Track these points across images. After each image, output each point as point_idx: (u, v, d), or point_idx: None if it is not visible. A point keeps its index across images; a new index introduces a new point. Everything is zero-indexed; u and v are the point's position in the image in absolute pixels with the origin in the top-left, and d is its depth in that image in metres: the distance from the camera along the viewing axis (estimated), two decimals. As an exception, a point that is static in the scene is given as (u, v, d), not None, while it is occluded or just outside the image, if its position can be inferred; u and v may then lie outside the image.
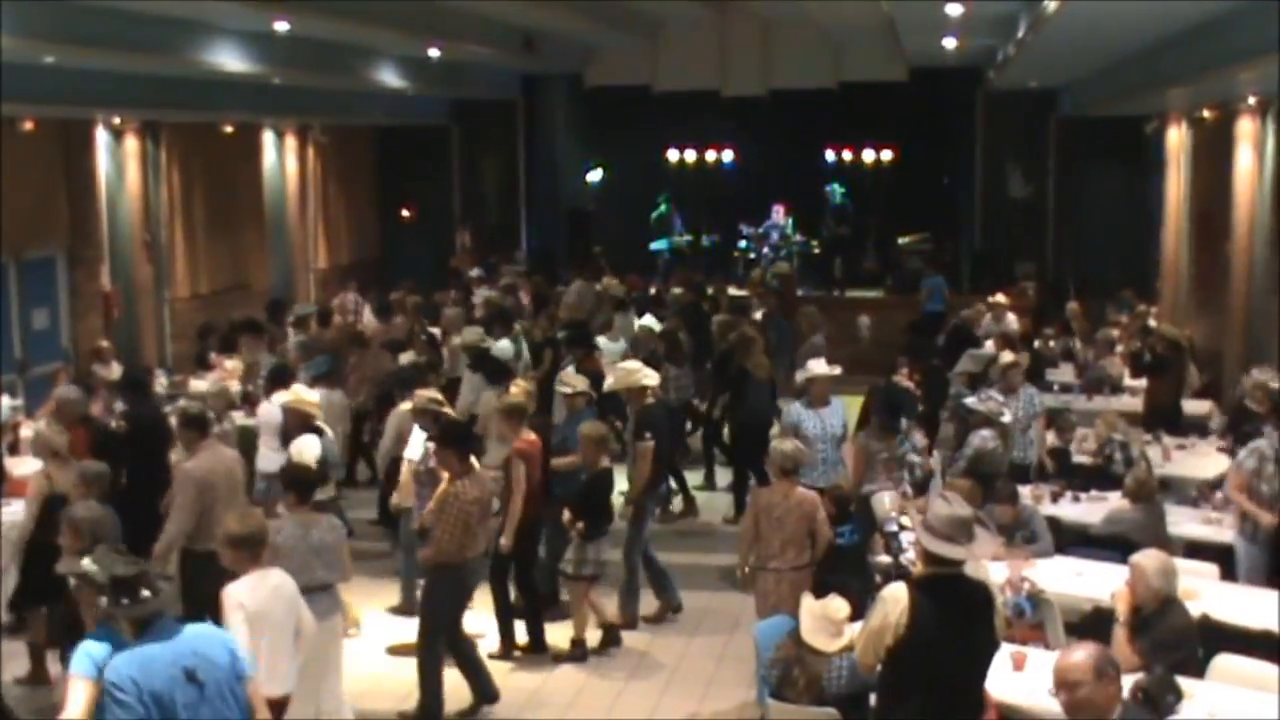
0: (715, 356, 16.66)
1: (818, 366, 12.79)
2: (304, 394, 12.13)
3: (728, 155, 30.42)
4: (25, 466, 11.94)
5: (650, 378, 12.61)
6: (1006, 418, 12.25)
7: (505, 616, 11.39)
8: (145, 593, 6.17)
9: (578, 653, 11.25)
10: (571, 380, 12.81)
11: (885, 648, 6.45)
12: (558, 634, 11.54)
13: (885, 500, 10.97)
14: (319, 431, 11.76)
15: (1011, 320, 18.83)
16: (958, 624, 6.41)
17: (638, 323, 17.60)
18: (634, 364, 12.97)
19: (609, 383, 12.87)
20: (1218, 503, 11.53)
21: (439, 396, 12.04)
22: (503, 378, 13.76)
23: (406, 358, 15.28)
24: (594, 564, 11.19)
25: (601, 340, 16.65)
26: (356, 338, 17.30)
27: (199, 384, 17.16)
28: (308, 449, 11.28)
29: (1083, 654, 5.76)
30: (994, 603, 6.63)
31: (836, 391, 13.08)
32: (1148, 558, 8.35)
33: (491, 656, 10.95)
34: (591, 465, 11.36)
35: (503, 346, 15.98)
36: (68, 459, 10.55)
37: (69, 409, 12.05)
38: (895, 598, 6.39)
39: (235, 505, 9.73)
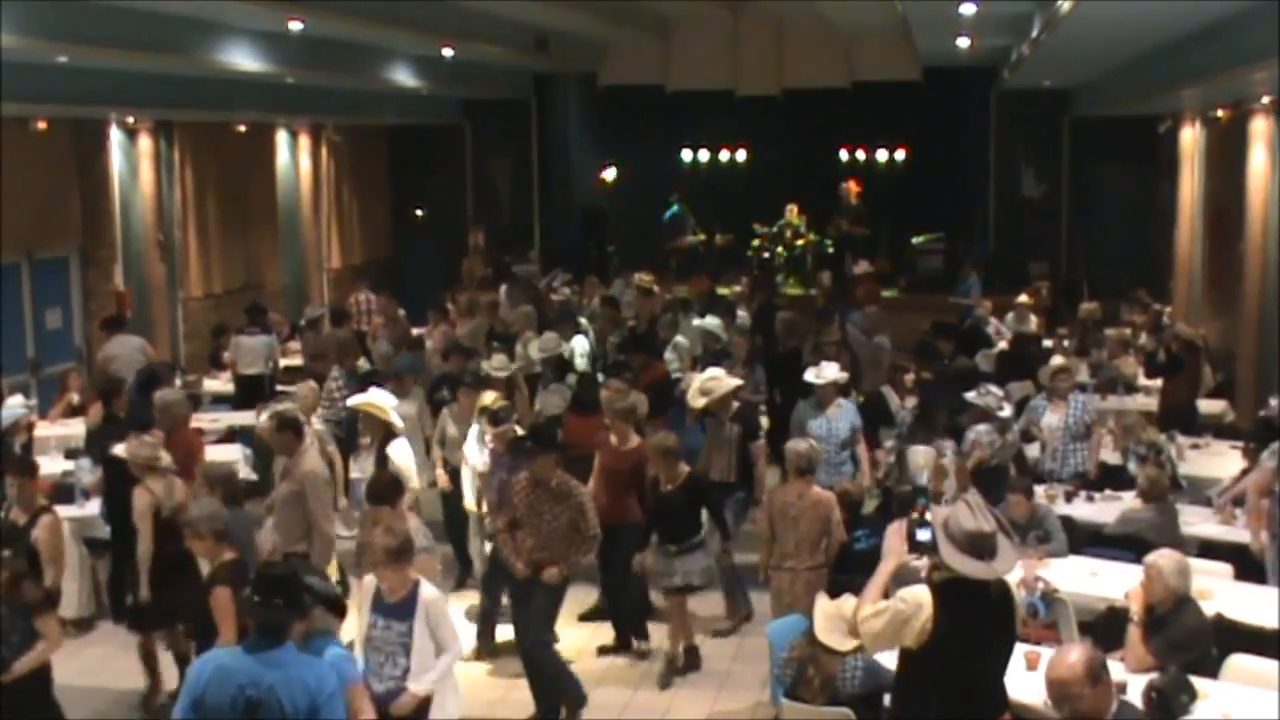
0: (784, 357, 16.45)
1: (830, 371, 12.75)
2: (378, 399, 11.55)
3: (741, 154, 30.42)
4: (41, 467, 11.95)
5: (734, 381, 12.39)
6: (1006, 412, 12.25)
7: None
8: (278, 600, 6.09)
9: (674, 666, 10.98)
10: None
11: (903, 649, 6.42)
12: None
13: (919, 455, 10.96)
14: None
15: (1033, 321, 18.83)
16: (980, 626, 6.36)
17: (696, 323, 17.37)
18: (716, 372, 12.53)
19: (701, 401, 12.11)
20: (1222, 508, 11.49)
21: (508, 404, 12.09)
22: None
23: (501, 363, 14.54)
24: (683, 575, 10.81)
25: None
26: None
27: (212, 384, 17.21)
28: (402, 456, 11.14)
29: (1075, 662, 5.67)
30: (1013, 600, 6.59)
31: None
32: (1164, 557, 8.34)
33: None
34: (671, 478, 10.86)
35: (581, 345, 16.16)
36: (164, 470, 10.32)
37: (172, 416, 11.99)
38: (918, 602, 6.31)
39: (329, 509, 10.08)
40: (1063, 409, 12.73)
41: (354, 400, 11.82)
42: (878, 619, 6.39)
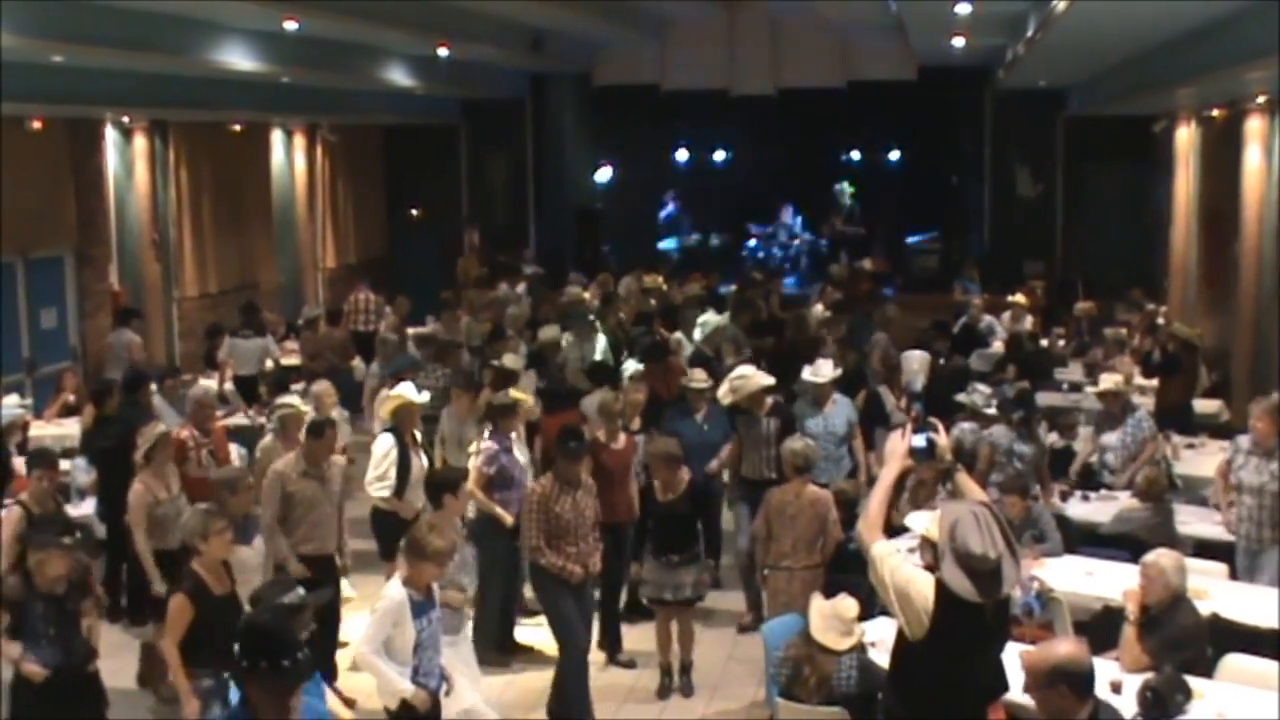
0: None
1: (825, 369, 12.69)
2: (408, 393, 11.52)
3: (736, 154, 30.42)
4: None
5: (765, 379, 12.14)
6: (992, 410, 12.27)
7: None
8: (263, 663, 4.90)
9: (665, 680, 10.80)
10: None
11: (897, 644, 6.41)
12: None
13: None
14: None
15: (1028, 320, 18.83)
16: (974, 626, 6.32)
17: (710, 321, 17.26)
18: (745, 370, 12.38)
19: (730, 398, 12.01)
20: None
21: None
22: (604, 379, 13.72)
23: (513, 359, 14.31)
24: (667, 587, 10.54)
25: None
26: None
27: (209, 383, 17.16)
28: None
29: (1048, 657, 5.57)
30: (1008, 600, 6.55)
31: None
32: (1163, 556, 8.33)
33: None
34: (670, 486, 10.55)
35: (600, 343, 16.15)
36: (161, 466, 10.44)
37: (204, 411, 11.99)
38: (923, 592, 6.24)
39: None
40: (1121, 427, 12.50)
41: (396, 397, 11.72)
42: (897, 570, 6.36)
